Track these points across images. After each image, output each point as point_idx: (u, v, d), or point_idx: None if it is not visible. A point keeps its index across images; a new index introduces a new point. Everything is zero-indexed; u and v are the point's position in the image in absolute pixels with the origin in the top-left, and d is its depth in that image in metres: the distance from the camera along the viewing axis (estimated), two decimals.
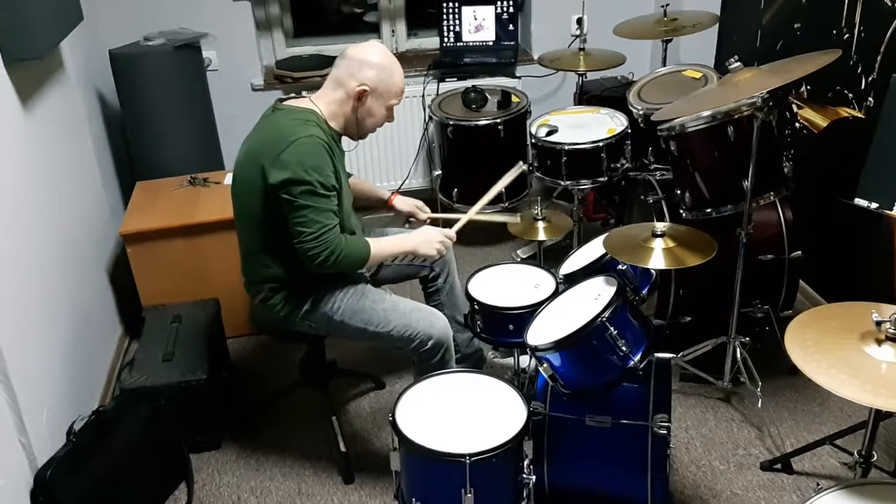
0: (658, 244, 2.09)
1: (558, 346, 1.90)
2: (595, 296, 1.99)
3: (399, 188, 4.06)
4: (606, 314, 1.85)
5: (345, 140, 2.33)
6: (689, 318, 2.84)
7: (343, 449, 2.50)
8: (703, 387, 2.78)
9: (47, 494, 2.09)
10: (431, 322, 2.29)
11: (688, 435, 2.61)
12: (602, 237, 2.37)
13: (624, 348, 1.87)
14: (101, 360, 2.94)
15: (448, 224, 2.48)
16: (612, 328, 1.86)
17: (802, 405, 2.70)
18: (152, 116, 3.43)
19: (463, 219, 2.51)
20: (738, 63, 2.29)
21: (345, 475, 2.48)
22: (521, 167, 2.73)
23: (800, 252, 2.74)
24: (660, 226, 2.10)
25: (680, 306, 2.81)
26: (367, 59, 2.20)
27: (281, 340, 2.58)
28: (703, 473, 2.45)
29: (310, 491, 2.46)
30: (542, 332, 2.02)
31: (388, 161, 4.01)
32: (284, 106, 2.24)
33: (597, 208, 4.01)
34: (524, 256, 3.74)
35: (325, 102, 2.23)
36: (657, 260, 2.05)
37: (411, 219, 2.65)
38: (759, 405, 2.61)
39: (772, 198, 2.53)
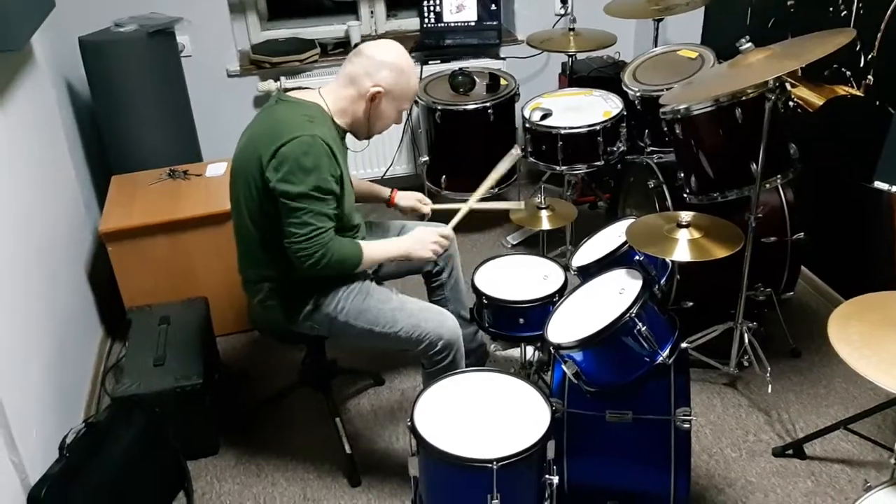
0: (683, 235, 2.03)
1: (584, 343, 1.84)
2: (619, 290, 1.93)
3: (384, 175, 3.95)
4: (635, 309, 1.79)
5: (350, 139, 2.22)
6: (690, 304, 2.79)
7: (348, 451, 2.42)
8: (707, 372, 2.75)
9: None
10: (441, 321, 2.20)
11: (697, 422, 2.58)
12: (614, 226, 2.32)
13: (653, 343, 1.81)
14: (84, 365, 2.81)
15: (451, 215, 2.39)
16: (640, 324, 1.79)
17: (808, 388, 2.69)
18: (126, 106, 3.26)
19: (462, 210, 2.42)
20: (750, 44, 2.23)
21: (351, 478, 2.40)
22: (517, 153, 2.64)
23: (802, 234, 2.72)
24: (684, 216, 2.04)
25: (682, 292, 2.77)
26: (386, 60, 2.08)
27: (281, 342, 2.47)
28: (715, 462, 2.42)
29: (316, 496, 2.37)
30: (563, 329, 1.95)
31: (372, 148, 3.89)
32: (290, 98, 2.11)
33: (584, 191, 3.95)
34: (514, 243, 3.67)
35: (334, 98, 2.11)
36: (682, 251, 1.99)
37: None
38: (770, 390, 2.58)
39: (779, 181, 2.49)
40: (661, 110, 2.57)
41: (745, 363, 2.65)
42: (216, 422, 2.58)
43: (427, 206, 2.54)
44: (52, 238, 2.67)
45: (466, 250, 3.42)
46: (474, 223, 3.69)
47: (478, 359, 2.68)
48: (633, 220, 2.17)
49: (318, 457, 2.50)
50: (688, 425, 1.97)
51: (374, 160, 3.95)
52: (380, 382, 2.81)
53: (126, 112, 3.26)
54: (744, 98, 2.37)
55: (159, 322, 2.72)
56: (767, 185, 2.49)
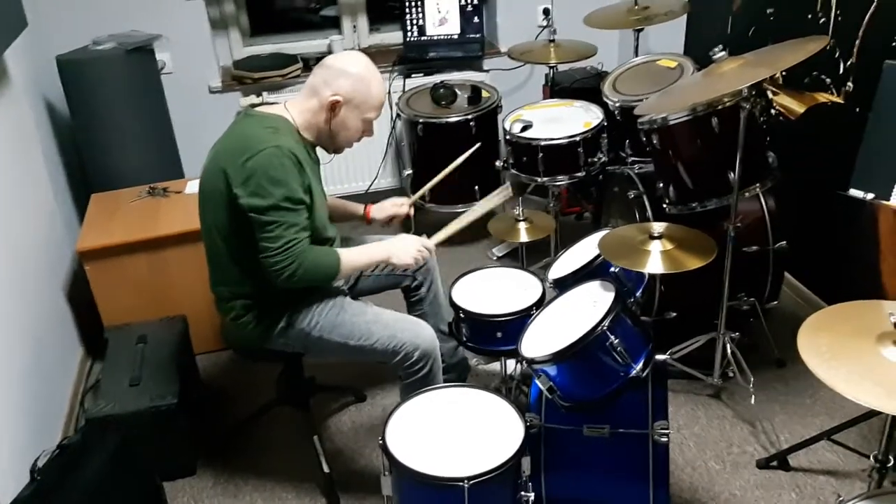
0: (655, 246, 2.01)
1: (557, 357, 1.81)
2: (592, 302, 1.91)
3: (368, 188, 3.93)
4: (606, 322, 1.76)
5: (322, 151, 2.20)
6: (674, 314, 2.77)
7: (327, 470, 2.38)
8: (691, 384, 2.72)
9: None
10: (417, 332, 2.18)
11: (680, 435, 2.55)
12: (591, 238, 2.30)
13: (626, 356, 1.78)
14: (63, 385, 2.77)
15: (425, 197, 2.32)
16: (612, 337, 1.77)
17: (793, 398, 2.66)
18: (105, 124, 3.25)
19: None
20: (723, 53, 2.21)
21: (329, 498, 2.36)
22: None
23: (784, 242, 2.69)
24: (657, 227, 2.02)
25: (664, 302, 2.75)
26: (345, 69, 2.06)
27: (255, 360, 2.44)
28: (699, 475, 2.39)
29: None
30: (537, 343, 1.93)
31: (357, 161, 3.88)
32: (255, 112, 2.10)
33: (570, 202, 3.93)
34: (500, 255, 3.65)
35: (298, 111, 2.09)
36: (655, 263, 1.97)
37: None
38: (753, 401, 2.55)
39: (758, 190, 2.48)
40: (639, 120, 2.55)
41: (730, 374, 2.63)
42: (193, 442, 2.54)
43: (404, 205, 2.51)
44: (28, 257, 2.64)
45: (451, 262, 3.38)
46: (460, 235, 3.66)
47: (459, 373, 2.65)
48: (606, 232, 2.15)
49: (296, 476, 2.46)
50: (665, 439, 1.95)
51: (359, 174, 3.93)
52: (361, 398, 2.78)
53: (105, 130, 3.25)
54: (720, 107, 2.35)
55: (136, 341, 2.69)
56: (747, 194, 2.48)
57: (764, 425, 2.55)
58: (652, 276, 2.69)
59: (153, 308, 2.90)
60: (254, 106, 2.14)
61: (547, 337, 1.92)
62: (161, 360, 2.58)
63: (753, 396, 2.55)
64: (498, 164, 3.22)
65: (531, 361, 1.86)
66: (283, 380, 2.50)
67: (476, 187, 3.49)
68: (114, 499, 2.22)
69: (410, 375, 2.18)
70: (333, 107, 2.07)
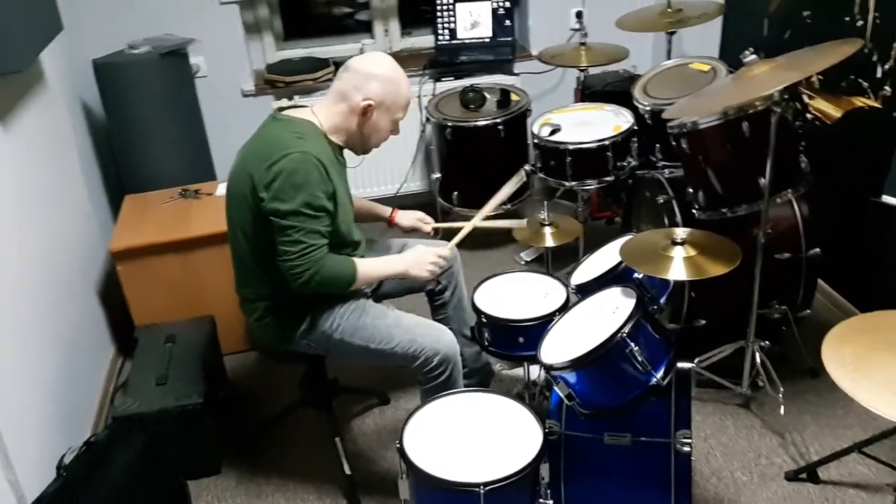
0: (678, 252, 1.97)
1: (575, 364, 1.79)
2: (613, 309, 1.88)
3: (397, 191, 3.94)
4: (627, 329, 1.74)
5: (349, 154, 2.21)
6: (703, 322, 2.72)
7: (348, 472, 2.39)
8: (720, 393, 2.67)
9: None
10: (437, 337, 2.17)
11: (707, 444, 2.50)
12: (615, 243, 2.26)
13: (646, 364, 1.76)
14: (93, 383, 2.83)
15: (452, 234, 2.36)
16: (632, 344, 1.74)
17: (825, 409, 2.59)
18: (140, 127, 3.31)
19: (464, 229, 2.39)
20: (754, 56, 2.17)
21: (350, 500, 2.37)
22: (522, 176, 2.60)
23: (818, 249, 2.63)
24: (679, 233, 1.99)
25: (694, 309, 2.70)
26: (373, 72, 2.07)
27: (279, 360, 2.46)
28: (724, 486, 2.35)
29: None
30: (556, 349, 1.91)
31: (385, 164, 3.89)
32: (283, 116, 2.12)
33: (601, 206, 3.89)
34: (528, 259, 3.63)
35: (326, 115, 2.11)
36: (678, 270, 1.93)
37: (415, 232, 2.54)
38: (782, 411, 2.49)
39: (789, 195, 2.43)
40: (668, 124, 2.52)
41: (760, 383, 2.57)
42: (219, 441, 2.57)
43: (428, 224, 2.52)
44: (62, 257, 2.70)
45: (478, 267, 3.38)
46: (486, 240, 3.66)
47: (482, 379, 2.64)
48: (628, 238, 2.12)
49: (318, 477, 2.48)
50: (688, 448, 1.91)
51: (388, 177, 3.94)
52: (385, 401, 2.78)
53: (140, 132, 3.31)
54: (751, 111, 2.31)
55: (165, 341, 2.73)
56: (778, 200, 2.42)
57: (794, 436, 2.49)
58: (680, 283, 2.66)
59: (183, 308, 2.94)
60: (282, 109, 2.15)
61: (567, 343, 1.90)
62: (188, 360, 2.62)
63: (783, 407, 2.49)
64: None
65: (550, 367, 1.84)
66: (306, 381, 2.51)
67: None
68: (139, 496, 2.25)
69: (430, 381, 2.17)
70: (366, 111, 2.08)
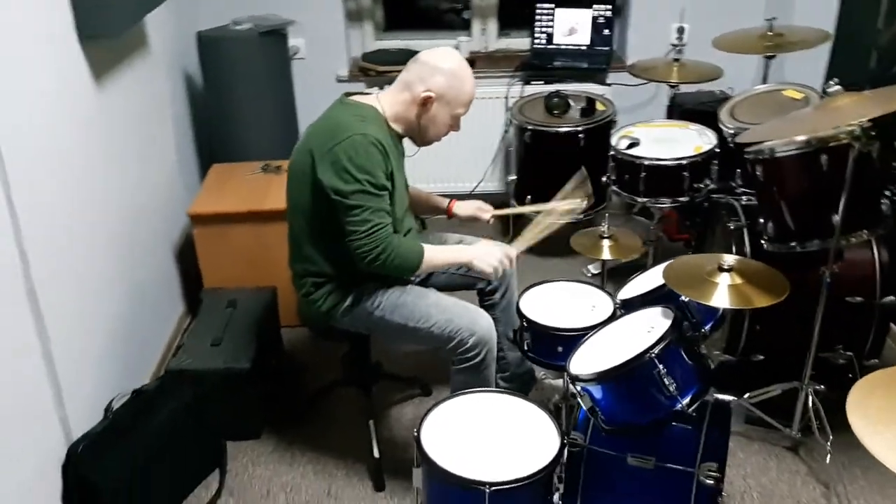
0: (724, 279, 1.91)
1: (600, 378, 1.77)
2: (649, 328, 1.84)
3: (473, 190, 3.96)
4: (656, 350, 1.71)
5: (409, 144, 2.25)
6: (761, 357, 2.63)
7: (377, 455, 2.43)
8: (770, 433, 2.57)
9: (76, 470, 2.10)
10: (474, 319, 2.19)
11: (745, 483, 2.41)
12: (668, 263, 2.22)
13: (672, 389, 1.72)
14: (159, 337, 2.97)
15: (511, 221, 2.33)
16: (661, 366, 1.71)
17: (879, 465, 2.42)
18: (234, 100, 3.46)
19: (530, 235, 2.36)
20: (838, 87, 2.08)
21: (376, 482, 2.42)
22: (584, 174, 2.55)
23: (893, 297, 2.49)
24: (728, 259, 1.93)
25: (753, 343, 2.61)
26: (439, 66, 2.12)
27: (325, 338, 2.53)
28: None
29: (339, 493, 2.41)
30: (586, 361, 1.89)
31: (465, 162, 3.92)
32: (349, 100, 2.19)
33: (680, 229, 3.79)
34: (595, 272, 3.58)
35: (389, 103, 2.16)
36: (721, 297, 1.88)
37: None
38: (828, 460, 2.38)
39: (865, 236, 2.31)
40: (745, 149, 2.44)
41: (813, 429, 2.46)
42: (262, 407, 2.67)
43: (487, 212, 2.53)
44: (143, 214, 2.85)
45: (542, 274, 3.35)
46: (554, 248, 3.62)
47: (523, 384, 2.63)
48: (676, 259, 2.07)
49: (350, 456, 2.54)
50: (712, 482, 1.85)
51: (466, 174, 3.96)
52: (427, 393, 2.81)
53: (234, 105, 3.46)
54: (832, 144, 2.21)
55: (226, 305, 2.85)
56: (853, 240, 2.31)
57: (838, 489, 2.37)
58: (740, 316, 2.57)
59: (250, 277, 3.05)
60: (349, 94, 2.22)
61: (597, 356, 1.88)
62: (244, 326, 2.72)
63: (830, 455, 2.37)
64: (604, 179, 3.16)
65: (575, 378, 1.83)
66: (348, 360, 2.57)
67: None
68: (178, 447, 2.38)
69: (463, 362, 2.19)
70: (425, 102, 2.12)
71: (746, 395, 2.54)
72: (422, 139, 2.22)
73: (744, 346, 2.62)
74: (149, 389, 2.40)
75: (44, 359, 2.04)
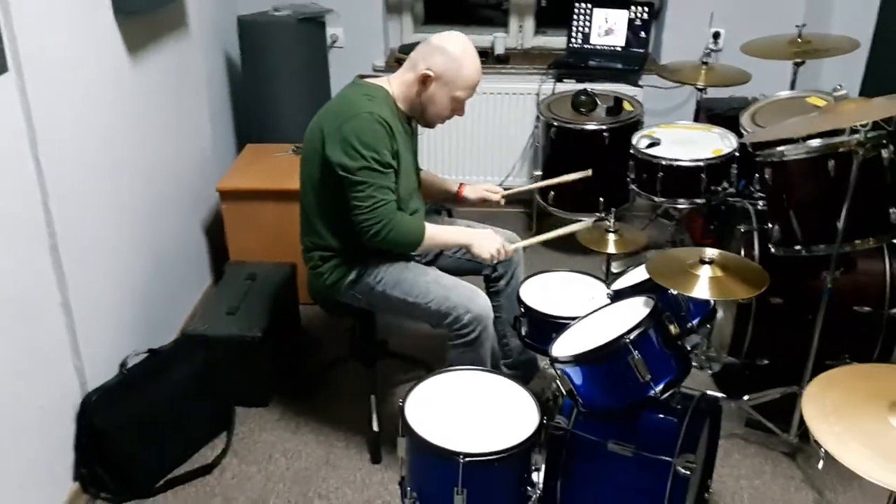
0: (705, 271, 1.94)
1: (577, 360, 1.82)
2: (630, 316, 1.88)
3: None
4: (631, 336, 1.75)
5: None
6: (766, 361, 2.63)
7: (376, 429, 2.52)
8: (768, 437, 2.57)
9: (89, 419, 2.23)
10: (471, 297, 2.26)
11: (738, 484, 2.42)
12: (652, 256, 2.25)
13: (646, 375, 1.76)
14: (184, 305, 3.11)
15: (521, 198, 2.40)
16: (635, 352, 1.75)
17: None
18: (271, 84, 3.57)
19: (536, 238, 2.42)
20: (844, 91, 2.08)
21: (373, 454, 2.50)
22: (588, 173, 2.67)
23: None
24: (709, 252, 1.96)
25: (757, 347, 2.62)
26: (442, 47, 2.19)
27: (330, 313, 2.61)
28: None
29: (336, 462, 2.50)
30: (567, 345, 1.94)
31: (493, 156, 3.98)
32: (361, 81, 2.28)
33: (705, 233, 3.78)
34: (616, 271, 3.59)
35: (397, 83, 2.25)
36: (702, 288, 1.91)
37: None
38: (821, 466, 2.37)
39: (871, 244, 2.30)
40: (756, 153, 2.45)
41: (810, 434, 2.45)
42: (272, 376, 2.77)
43: (497, 194, 2.58)
44: (174, 187, 2.99)
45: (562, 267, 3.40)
46: (579, 245, 3.65)
47: (525, 371, 2.68)
48: (659, 252, 2.10)
49: (351, 428, 2.62)
50: (688, 472, 1.88)
51: (494, 168, 4.02)
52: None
53: (271, 88, 3.58)
54: (841, 150, 2.21)
55: (246, 277, 2.96)
56: (857, 247, 2.30)
57: (831, 496, 2.37)
58: (747, 317, 2.58)
59: (273, 253, 3.16)
60: (362, 76, 2.30)
61: (578, 341, 1.92)
62: (261, 298, 2.84)
63: (822, 461, 2.35)
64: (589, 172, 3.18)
65: (554, 360, 1.88)
66: (353, 336, 2.66)
67: (601, 199, 3.47)
68: (187, 407, 2.50)
69: (459, 338, 2.26)
70: (424, 80, 2.19)
71: (746, 398, 2.55)
72: (423, 118, 2.29)
73: (749, 350, 2.63)
74: (164, 350, 2.52)
75: (62, 307, 2.17)
